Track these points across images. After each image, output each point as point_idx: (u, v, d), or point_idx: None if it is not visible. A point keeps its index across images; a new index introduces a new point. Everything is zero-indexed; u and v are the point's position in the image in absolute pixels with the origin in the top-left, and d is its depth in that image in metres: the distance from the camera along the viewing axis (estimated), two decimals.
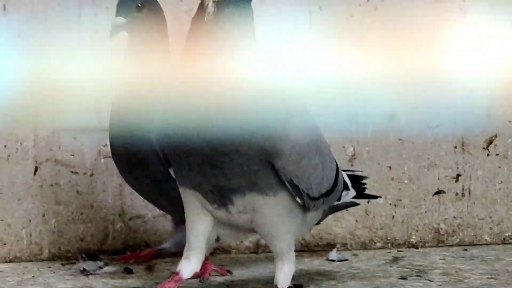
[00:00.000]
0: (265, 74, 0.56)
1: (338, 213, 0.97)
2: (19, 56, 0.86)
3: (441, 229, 0.97)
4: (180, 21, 0.81)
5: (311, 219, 0.66)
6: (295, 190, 0.58)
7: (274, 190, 0.57)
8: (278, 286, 0.63)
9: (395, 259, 0.99)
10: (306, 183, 0.59)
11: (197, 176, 0.56)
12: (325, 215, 0.73)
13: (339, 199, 0.71)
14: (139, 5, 0.75)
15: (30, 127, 0.85)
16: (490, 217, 0.98)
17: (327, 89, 0.93)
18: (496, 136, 0.99)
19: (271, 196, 0.57)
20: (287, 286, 0.64)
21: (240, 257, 0.96)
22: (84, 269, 0.81)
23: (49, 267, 0.90)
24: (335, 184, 0.65)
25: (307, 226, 0.67)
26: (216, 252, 0.96)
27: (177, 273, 0.62)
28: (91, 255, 0.83)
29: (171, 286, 0.62)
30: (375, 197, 0.88)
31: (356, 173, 0.81)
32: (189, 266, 0.61)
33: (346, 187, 0.72)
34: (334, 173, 0.65)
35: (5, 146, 0.89)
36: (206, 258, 0.69)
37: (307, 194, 0.59)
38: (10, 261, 0.90)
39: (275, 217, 0.59)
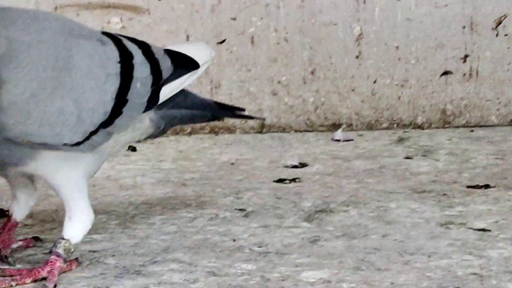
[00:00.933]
0: None
1: (344, 93, 0.97)
2: None
3: (448, 110, 0.97)
4: None
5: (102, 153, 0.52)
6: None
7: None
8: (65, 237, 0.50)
9: (401, 140, 0.99)
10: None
11: None
12: (166, 126, 0.57)
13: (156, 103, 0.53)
14: None
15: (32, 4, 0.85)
16: (498, 99, 0.98)
17: None
18: (505, 16, 0.97)
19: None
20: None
21: (245, 136, 0.97)
22: None
23: None
24: (121, 102, 0.49)
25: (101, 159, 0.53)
26: (221, 132, 0.96)
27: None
28: None
29: None
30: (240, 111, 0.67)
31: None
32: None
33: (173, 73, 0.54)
34: (110, 91, 0.49)
35: None
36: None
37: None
38: None
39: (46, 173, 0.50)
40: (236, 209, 0.67)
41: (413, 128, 0.97)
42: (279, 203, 0.69)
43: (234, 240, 0.57)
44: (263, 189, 0.74)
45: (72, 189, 0.50)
